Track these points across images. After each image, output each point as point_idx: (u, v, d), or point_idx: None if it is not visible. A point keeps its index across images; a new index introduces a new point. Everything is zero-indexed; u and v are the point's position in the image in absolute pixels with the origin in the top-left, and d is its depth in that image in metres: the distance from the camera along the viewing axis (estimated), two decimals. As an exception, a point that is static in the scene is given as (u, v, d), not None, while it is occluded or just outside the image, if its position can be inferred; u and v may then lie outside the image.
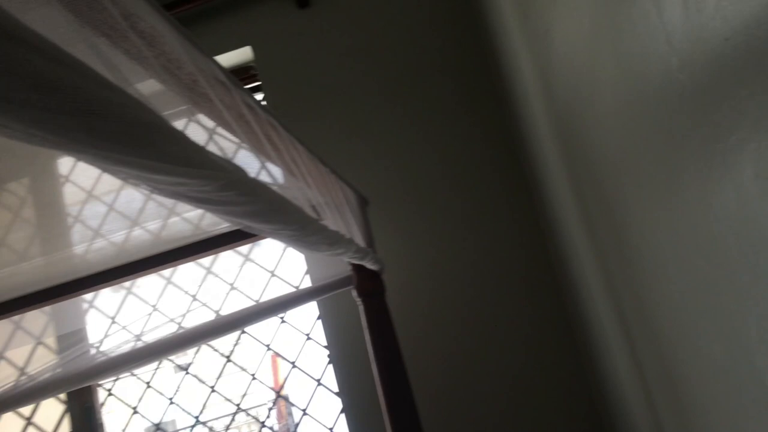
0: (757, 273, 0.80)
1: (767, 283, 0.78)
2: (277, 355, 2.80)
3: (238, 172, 0.78)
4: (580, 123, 1.47)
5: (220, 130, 1.25)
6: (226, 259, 2.58)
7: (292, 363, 2.61)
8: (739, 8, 0.68)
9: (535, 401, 2.37)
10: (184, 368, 2.72)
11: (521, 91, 2.08)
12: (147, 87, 0.99)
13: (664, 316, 1.28)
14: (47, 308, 2.51)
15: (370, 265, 1.80)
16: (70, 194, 2.44)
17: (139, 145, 0.54)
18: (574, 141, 1.58)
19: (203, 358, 2.91)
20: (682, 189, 0.97)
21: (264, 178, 1.27)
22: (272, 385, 2.70)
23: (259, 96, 2.75)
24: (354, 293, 1.92)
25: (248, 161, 1.50)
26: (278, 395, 3.20)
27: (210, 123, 1.23)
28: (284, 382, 2.85)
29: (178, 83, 0.98)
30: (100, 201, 2.39)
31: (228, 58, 2.74)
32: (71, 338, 2.43)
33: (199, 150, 0.68)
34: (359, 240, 1.84)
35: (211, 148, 1.25)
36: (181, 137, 0.65)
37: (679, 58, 0.84)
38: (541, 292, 2.43)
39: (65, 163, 2.34)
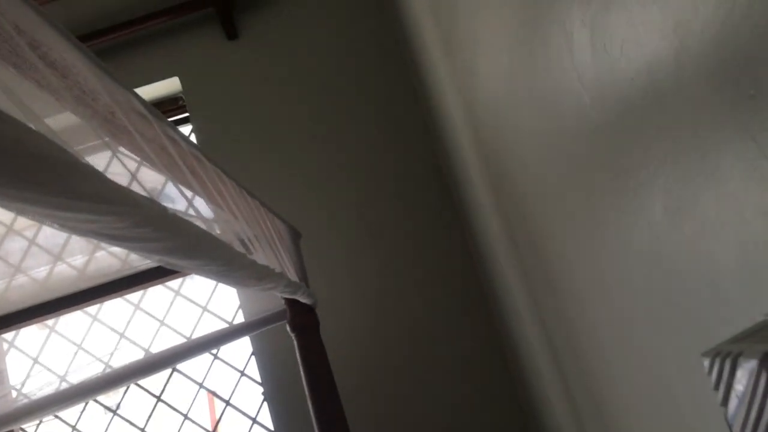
0: (671, 306, 0.83)
1: (680, 316, 0.81)
2: (213, 394, 2.73)
3: (155, 208, 0.76)
4: (505, 157, 1.50)
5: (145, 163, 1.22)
6: (156, 295, 2.51)
7: (227, 401, 2.55)
8: (641, 51, 0.71)
9: (471, 428, 2.37)
10: (113, 410, 2.61)
11: (450, 123, 2.12)
12: (64, 119, 0.96)
13: (589, 348, 1.32)
14: (-38, 349, 2.38)
15: (303, 299, 1.79)
16: (-10, 228, 2.33)
17: (41, 181, 0.52)
18: (501, 173, 1.62)
19: (133, 397, 2.80)
20: (601, 223, 1.00)
21: (189, 212, 1.25)
22: (209, 425, 2.61)
23: (187, 127, 2.71)
24: (288, 328, 1.90)
25: (174, 196, 1.47)
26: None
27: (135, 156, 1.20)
28: (218, 421, 2.77)
29: (94, 115, 0.96)
30: (20, 235, 2.29)
31: (155, 89, 2.70)
32: (-12, 381, 2.30)
33: (110, 185, 0.66)
34: (292, 274, 1.82)
35: (134, 184, 1.22)
36: (90, 172, 0.63)
37: (591, 96, 0.87)
38: (475, 322, 2.45)
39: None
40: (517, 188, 1.50)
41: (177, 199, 1.34)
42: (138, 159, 1.21)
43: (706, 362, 0.56)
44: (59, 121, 0.94)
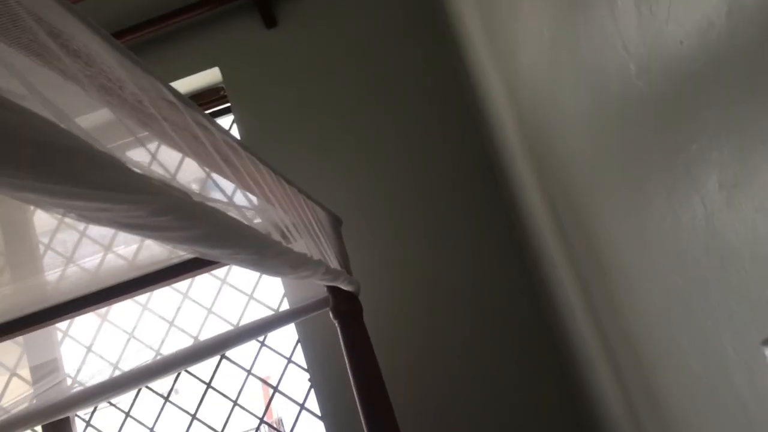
0: (727, 288, 0.76)
1: (738, 299, 0.75)
2: (263, 381, 2.74)
3: (176, 196, 0.74)
4: (548, 137, 1.44)
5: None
6: (203, 284, 2.54)
7: (275, 387, 2.56)
8: (690, 10, 0.65)
9: (521, 421, 2.32)
10: (165, 397, 2.65)
11: (492, 106, 2.05)
12: (99, 117, 0.94)
13: (641, 331, 1.25)
14: (20, 339, 2.46)
15: (344, 287, 1.76)
16: (41, 222, 2.40)
17: (43, 168, 0.50)
18: (544, 155, 1.55)
19: (187, 385, 2.85)
20: (650, 201, 0.94)
21: (221, 199, 1.23)
22: (264, 412, 2.64)
23: (229, 118, 2.71)
24: (331, 315, 1.88)
25: (223, 185, 1.47)
26: (269, 426, 3.12)
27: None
28: (267, 406, 2.79)
29: (122, 104, 0.95)
30: (72, 228, 2.35)
31: (196, 80, 2.71)
32: (45, 368, 2.37)
33: (125, 173, 0.64)
34: (333, 261, 1.80)
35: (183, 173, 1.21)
36: (102, 159, 0.61)
37: (637, 64, 0.81)
38: (522, 308, 2.39)
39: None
40: (561, 169, 1.43)
41: (227, 188, 1.33)
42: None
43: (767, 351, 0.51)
44: (92, 120, 0.93)
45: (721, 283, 0.78)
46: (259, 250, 1.00)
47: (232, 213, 1.20)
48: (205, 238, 0.81)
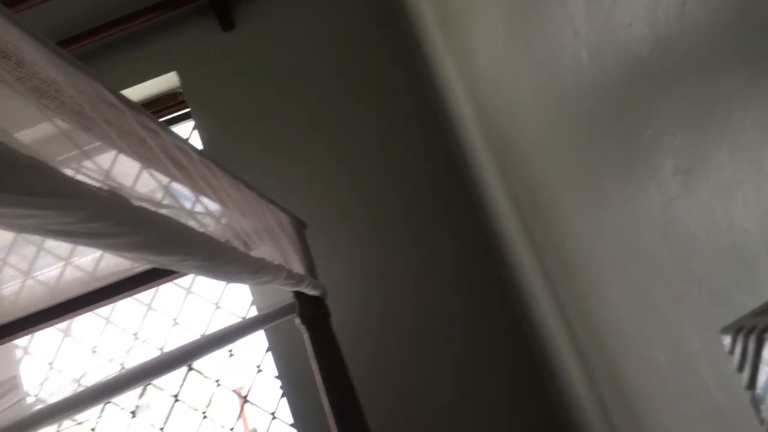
0: (688, 277, 0.75)
1: (699, 288, 0.73)
2: (236, 393, 2.69)
3: (111, 200, 0.70)
4: (507, 130, 1.42)
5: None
6: (167, 294, 2.48)
7: (244, 397, 2.51)
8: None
9: (494, 422, 2.30)
10: (131, 412, 2.58)
11: (455, 104, 2.04)
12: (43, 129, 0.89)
13: (607, 324, 1.24)
14: (-23, 358, 2.37)
15: (309, 291, 1.73)
16: (-4, 235, 2.32)
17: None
18: (505, 148, 1.53)
19: (157, 400, 2.78)
20: (607, 190, 0.92)
21: (167, 203, 1.19)
22: (238, 425, 2.60)
23: (189, 123, 2.66)
24: (297, 321, 1.84)
25: (184, 194, 1.42)
26: None
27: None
28: (238, 418, 2.74)
29: (60, 107, 0.90)
30: (29, 242, 2.28)
31: (154, 85, 2.64)
32: (4, 387, 2.29)
33: (51, 176, 0.60)
34: (297, 266, 1.76)
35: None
36: (23, 160, 0.57)
37: (588, 50, 0.79)
38: (490, 305, 2.37)
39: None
40: (521, 161, 1.42)
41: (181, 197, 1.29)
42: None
43: (727, 340, 0.48)
44: (34, 134, 0.88)
45: (680, 272, 0.76)
46: (210, 256, 0.96)
47: (190, 222, 1.16)
48: (148, 245, 0.77)
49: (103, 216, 0.66)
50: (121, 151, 1.03)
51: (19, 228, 0.59)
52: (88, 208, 0.63)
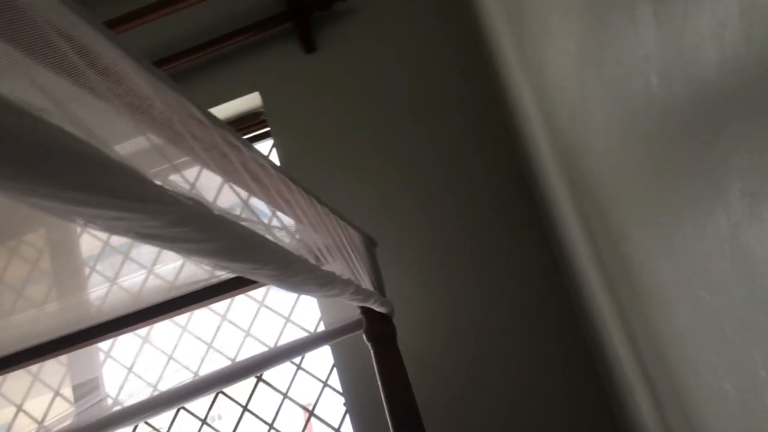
0: (754, 303, 0.73)
1: (765, 314, 0.71)
2: (302, 407, 2.73)
3: (194, 207, 0.75)
4: (579, 152, 1.42)
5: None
6: (241, 306, 2.56)
7: (310, 411, 2.55)
8: (704, 13, 0.64)
9: (560, 449, 2.25)
10: (202, 419, 2.67)
11: (527, 125, 2.04)
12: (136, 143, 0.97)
13: (675, 351, 1.20)
14: (64, 359, 2.52)
15: (376, 308, 1.76)
16: (87, 244, 2.47)
17: (47, 172, 0.51)
18: (577, 172, 1.53)
19: (229, 411, 2.86)
20: (675, 213, 0.91)
21: (251, 219, 1.24)
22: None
23: (268, 142, 2.76)
24: (364, 337, 1.87)
25: (260, 209, 1.48)
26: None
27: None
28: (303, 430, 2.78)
29: (152, 122, 0.97)
30: (116, 250, 2.41)
31: (237, 105, 2.77)
32: (86, 387, 2.42)
33: (141, 181, 0.65)
34: (365, 282, 1.80)
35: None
36: (116, 166, 0.62)
37: (657, 73, 0.79)
38: (559, 331, 2.33)
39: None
40: (592, 184, 1.41)
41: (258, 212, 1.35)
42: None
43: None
44: (127, 149, 0.95)
45: (747, 298, 0.74)
46: (282, 266, 1.00)
47: (266, 236, 1.21)
48: (224, 252, 0.82)
49: (186, 221, 0.71)
50: (204, 164, 1.09)
51: (110, 229, 0.65)
52: (172, 213, 0.69)
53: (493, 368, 2.35)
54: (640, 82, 0.86)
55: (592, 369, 2.28)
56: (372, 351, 1.85)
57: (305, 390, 2.87)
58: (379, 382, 1.83)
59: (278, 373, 2.64)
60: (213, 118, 1.05)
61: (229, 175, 1.21)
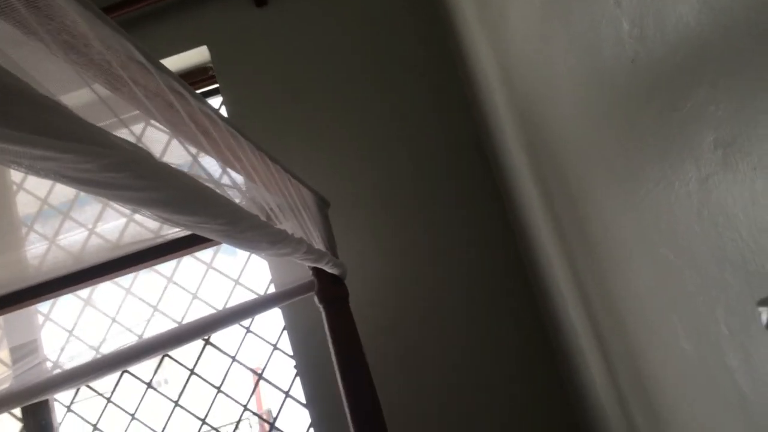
0: (721, 259, 0.72)
1: (733, 269, 0.70)
2: (252, 371, 2.69)
3: (135, 152, 0.69)
4: (540, 110, 1.40)
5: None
6: (188, 268, 2.49)
7: (259, 374, 2.52)
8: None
9: (507, 407, 2.28)
10: (147, 383, 2.60)
11: (485, 85, 2.01)
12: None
13: (631, 312, 1.21)
14: (0, 320, 2.41)
15: (329, 269, 1.72)
16: (23, 203, 2.36)
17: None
18: (536, 131, 1.51)
19: (176, 375, 2.81)
20: (642, 167, 0.89)
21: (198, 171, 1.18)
22: (248, 401, 2.60)
23: (218, 99, 2.66)
24: (316, 299, 1.84)
25: (212, 166, 1.42)
26: (255, 414, 3.06)
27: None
28: (252, 395, 2.75)
29: (89, 64, 0.89)
30: (56, 210, 2.31)
31: (184, 59, 2.65)
32: (24, 349, 2.33)
33: (75, 121, 0.59)
34: (318, 243, 1.76)
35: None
36: (51, 105, 0.56)
37: (630, 19, 0.76)
38: (512, 292, 2.35)
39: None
40: (552, 138, 1.38)
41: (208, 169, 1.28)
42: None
43: (765, 314, 0.46)
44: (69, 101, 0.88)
45: (714, 254, 0.73)
46: (232, 221, 0.95)
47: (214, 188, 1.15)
48: (168, 202, 0.76)
49: (124, 167, 0.65)
50: (148, 113, 1.02)
51: (36, 171, 0.58)
52: (109, 157, 0.63)
53: (443, 329, 2.35)
54: (610, 29, 0.83)
55: (542, 329, 2.30)
56: (323, 313, 1.82)
57: (256, 353, 2.84)
58: (330, 344, 1.81)
59: (227, 337, 2.59)
60: (156, 62, 0.98)
61: (176, 126, 1.14)
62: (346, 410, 1.78)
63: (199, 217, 0.86)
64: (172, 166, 0.80)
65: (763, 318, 0.46)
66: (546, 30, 1.16)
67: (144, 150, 0.73)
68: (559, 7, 1.04)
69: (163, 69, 1.00)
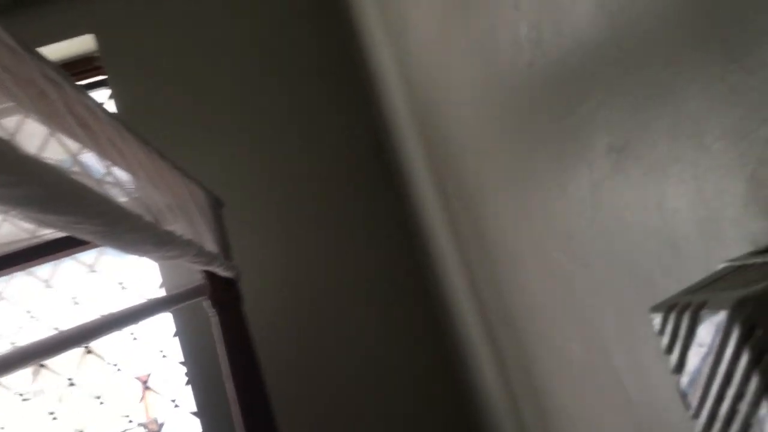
0: (612, 262, 0.73)
1: (622, 275, 0.72)
2: (139, 381, 2.56)
3: (-6, 144, 0.61)
4: (439, 113, 1.40)
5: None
6: (68, 271, 2.32)
7: (144, 383, 2.39)
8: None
9: (403, 410, 2.28)
10: (21, 395, 2.41)
11: (386, 86, 2.00)
12: None
13: (523, 315, 1.23)
14: None
15: (221, 272, 1.65)
16: None
17: None
18: (436, 134, 1.51)
19: (49, 385, 2.62)
20: (537, 172, 0.90)
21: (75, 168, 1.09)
22: (143, 416, 2.47)
23: (105, 91, 2.51)
24: (206, 304, 1.76)
25: (94, 164, 1.31)
26: (142, 425, 2.90)
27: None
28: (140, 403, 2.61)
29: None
30: None
31: (67, 47, 2.47)
32: None
33: None
34: (210, 245, 1.68)
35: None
36: None
37: (529, 22, 0.76)
38: (407, 294, 2.36)
39: None
40: (452, 146, 1.39)
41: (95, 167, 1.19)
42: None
43: (657, 319, 0.46)
44: None
45: (604, 257, 0.75)
46: (111, 222, 0.88)
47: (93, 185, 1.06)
48: (35, 201, 0.68)
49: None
50: (18, 103, 0.93)
51: None
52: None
53: (340, 331, 2.33)
54: (507, 32, 0.83)
55: (438, 331, 2.32)
56: (215, 318, 1.75)
57: (141, 362, 2.70)
58: (221, 350, 1.74)
59: (110, 345, 2.45)
60: (27, 47, 0.89)
61: (50, 119, 1.04)
62: (237, 419, 1.72)
63: (73, 217, 0.79)
64: (46, 160, 0.72)
65: (656, 324, 0.46)
66: (445, 32, 1.15)
67: (4, 141, 0.65)
68: (458, 10, 1.04)
69: (36, 54, 0.91)
